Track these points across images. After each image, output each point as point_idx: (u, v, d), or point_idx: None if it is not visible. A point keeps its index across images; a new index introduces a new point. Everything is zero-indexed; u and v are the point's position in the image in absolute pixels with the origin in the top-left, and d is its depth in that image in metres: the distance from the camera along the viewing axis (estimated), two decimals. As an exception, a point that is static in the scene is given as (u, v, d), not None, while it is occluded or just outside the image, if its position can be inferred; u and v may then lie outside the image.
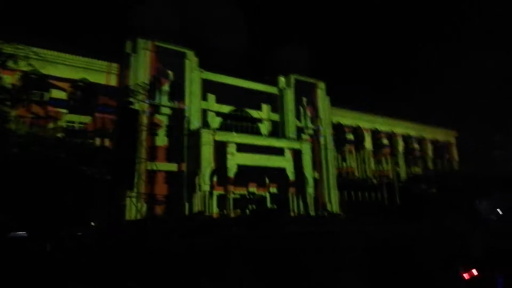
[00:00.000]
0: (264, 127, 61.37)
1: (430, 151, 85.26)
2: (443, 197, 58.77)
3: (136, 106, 40.91)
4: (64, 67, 46.81)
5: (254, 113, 61.26)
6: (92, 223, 26.85)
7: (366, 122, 75.47)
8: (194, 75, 54.12)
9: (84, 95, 47.75)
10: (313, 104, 66.09)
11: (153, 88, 49.60)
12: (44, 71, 41.48)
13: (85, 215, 35.30)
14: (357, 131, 74.01)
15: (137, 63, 49.09)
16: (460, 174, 70.78)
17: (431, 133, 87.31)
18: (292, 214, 52.69)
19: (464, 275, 6.34)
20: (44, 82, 44.65)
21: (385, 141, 77.37)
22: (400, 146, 79.58)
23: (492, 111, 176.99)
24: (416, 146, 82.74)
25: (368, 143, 74.42)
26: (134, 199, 39.72)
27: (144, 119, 46.61)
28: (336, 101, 70.16)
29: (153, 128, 49.44)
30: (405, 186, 70.75)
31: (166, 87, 51.06)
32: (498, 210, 48.27)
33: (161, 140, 50.03)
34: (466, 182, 62.54)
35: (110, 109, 46.76)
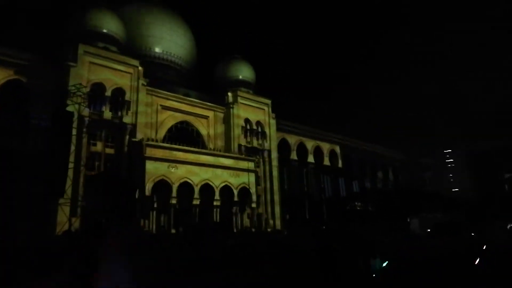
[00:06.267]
0: (210, 142, 60.61)
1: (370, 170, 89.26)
2: (379, 215, 61.79)
3: (73, 109, 38.64)
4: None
5: (200, 128, 60.40)
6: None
7: (309, 139, 77.46)
8: (138, 85, 52.08)
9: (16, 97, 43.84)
10: (259, 120, 66.71)
11: (94, 95, 47.11)
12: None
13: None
14: (301, 148, 75.77)
15: (77, 69, 45.97)
16: (395, 193, 75.11)
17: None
18: (235, 229, 52.14)
19: None
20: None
21: (326, 159, 79.87)
22: (340, 163, 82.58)
23: (421, 135, 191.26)
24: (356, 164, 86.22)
25: (311, 159, 76.35)
26: (65, 209, 36.94)
27: (83, 126, 43.95)
28: (281, 117, 71.31)
29: (92, 136, 46.89)
30: (343, 203, 73.55)
31: (108, 95, 48.59)
32: (428, 229, 51.74)
33: (101, 149, 47.42)
34: (400, 201, 66.50)
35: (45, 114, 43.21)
